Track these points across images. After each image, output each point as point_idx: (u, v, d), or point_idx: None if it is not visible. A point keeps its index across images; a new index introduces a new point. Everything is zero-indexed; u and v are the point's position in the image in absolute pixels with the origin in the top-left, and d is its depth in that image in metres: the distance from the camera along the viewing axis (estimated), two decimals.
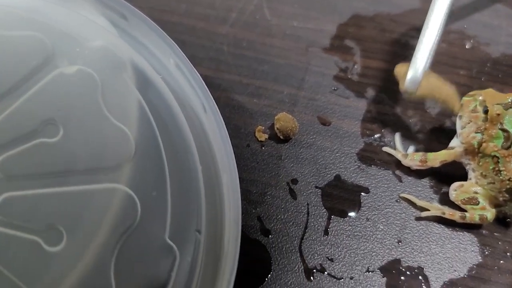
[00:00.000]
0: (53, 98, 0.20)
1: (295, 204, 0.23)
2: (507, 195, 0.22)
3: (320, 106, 0.25)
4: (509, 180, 0.21)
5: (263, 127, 0.24)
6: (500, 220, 0.23)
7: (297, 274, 0.21)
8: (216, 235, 0.20)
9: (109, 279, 0.18)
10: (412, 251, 0.22)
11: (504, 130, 0.21)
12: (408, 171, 0.24)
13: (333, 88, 0.26)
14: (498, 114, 0.21)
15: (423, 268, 0.22)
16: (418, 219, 0.23)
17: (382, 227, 0.22)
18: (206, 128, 0.22)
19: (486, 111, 0.21)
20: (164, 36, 0.23)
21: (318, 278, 0.21)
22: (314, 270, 0.21)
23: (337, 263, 0.22)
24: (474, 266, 0.22)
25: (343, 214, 0.23)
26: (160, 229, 0.19)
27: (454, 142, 0.23)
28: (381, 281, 0.21)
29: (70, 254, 0.18)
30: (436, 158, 0.23)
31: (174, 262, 0.19)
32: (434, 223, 0.23)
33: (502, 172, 0.21)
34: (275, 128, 0.24)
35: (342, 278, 0.21)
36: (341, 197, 0.23)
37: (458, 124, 0.22)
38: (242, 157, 0.23)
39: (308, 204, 0.23)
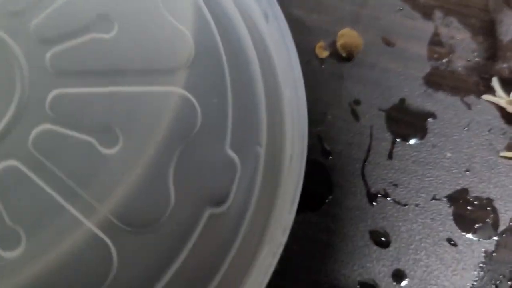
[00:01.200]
0: None
1: (357, 126, 0.21)
2: None
3: (384, 26, 0.23)
4: None
5: (324, 44, 0.22)
6: None
7: (359, 198, 0.20)
8: (277, 151, 0.19)
9: (168, 186, 0.17)
10: (481, 181, 0.21)
11: None
12: (478, 98, 0.22)
13: (398, 8, 0.24)
14: None
15: (492, 200, 0.20)
16: (488, 149, 0.21)
17: (449, 154, 0.21)
18: (267, 37, 0.20)
19: None
20: None
21: (382, 203, 0.20)
22: (378, 195, 0.20)
23: (401, 189, 0.20)
24: None
25: (408, 139, 0.21)
26: (221, 139, 0.18)
27: None
28: (447, 210, 0.20)
29: (127, 157, 0.17)
30: None
31: (235, 174, 0.18)
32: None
33: None
34: (338, 45, 0.22)
35: (407, 204, 0.20)
36: (406, 122, 0.21)
37: None
38: (303, 73, 0.22)
39: (371, 127, 0.21)
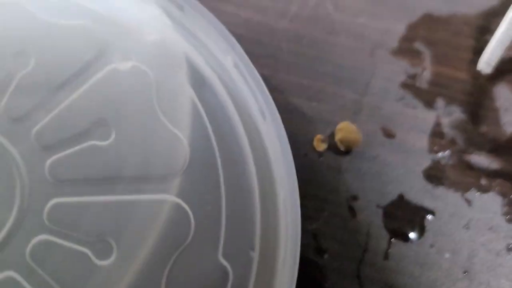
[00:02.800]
0: (106, 97, 0.19)
1: (354, 223, 0.21)
2: None
3: (384, 116, 0.23)
4: None
5: (323, 136, 0.23)
6: None
7: None
8: (270, 254, 0.19)
9: None
10: (479, 284, 0.20)
11: None
12: (480, 193, 0.22)
13: (399, 97, 0.24)
14: None
15: None
16: (489, 249, 0.21)
17: (448, 255, 0.21)
18: (265, 138, 0.20)
19: None
20: (223, 30, 0.22)
21: None
22: None
23: None
24: None
25: (406, 238, 0.21)
26: (214, 247, 0.18)
27: None
28: None
29: (120, 268, 0.17)
30: None
31: (227, 282, 0.18)
32: (505, 255, 0.21)
33: None
34: (336, 139, 0.22)
35: None
36: (404, 219, 0.21)
37: None
38: (298, 167, 0.22)
39: (368, 224, 0.21)
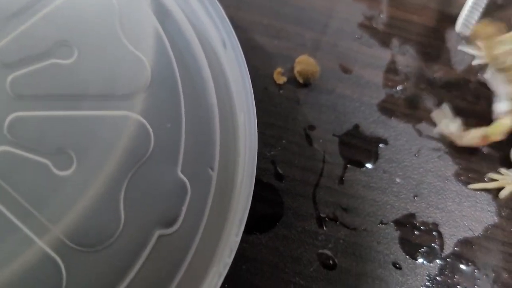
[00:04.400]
0: (69, 20, 0.19)
1: (310, 151, 0.22)
2: None
3: (342, 53, 0.24)
4: None
5: (282, 70, 0.23)
6: None
7: (309, 221, 0.21)
8: (229, 174, 0.20)
9: (119, 209, 0.17)
10: (428, 206, 0.21)
11: None
12: (429, 125, 0.23)
13: (356, 36, 0.25)
14: None
15: (437, 225, 0.21)
16: (436, 175, 0.22)
17: (398, 180, 0.22)
18: (225, 64, 0.21)
19: None
20: None
21: (330, 226, 0.21)
22: (327, 218, 0.21)
23: (350, 213, 0.21)
24: (490, 227, 0.21)
25: (360, 165, 0.22)
26: (173, 163, 0.19)
27: (502, 106, 0.21)
28: (394, 234, 0.21)
29: (80, 180, 0.17)
30: (500, 131, 0.21)
31: (185, 197, 0.18)
32: (452, 180, 0.22)
33: None
34: (295, 71, 0.23)
35: (355, 228, 0.21)
36: (359, 147, 0.22)
37: (498, 79, 0.21)
38: (259, 99, 0.23)
39: (324, 152, 0.22)
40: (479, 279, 0.20)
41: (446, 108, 0.23)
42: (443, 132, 0.22)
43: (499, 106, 0.21)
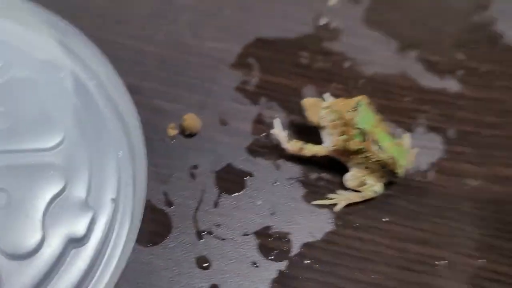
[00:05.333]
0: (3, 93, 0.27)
1: (194, 184, 0.30)
2: (382, 170, 0.29)
3: (221, 111, 0.32)
4: (376, 161, 0.28)
5: (174, 125, 0.31)
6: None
7: (191, 235, 0.28)
8: (126, 202, 0.27)
9: (40, 229, 0.24)
10: (281, 221, 0.29)
11: (358, 129, 0.28)
12: (285, 160, 0.31)
13: (233, 97, 0.33)
14: (351, 118, 0.28)
15: (288, 233, 0.29)
16: (289, 197, 0.30)
17: (260, 202, 0.29)
18: (124, 125, 0.29)
19: (341, 119, 0.29)
20: (98, 51, 0.30)
21: (206, 238, 0.28)
22: (204, 233, 0.28)
23: (222, 228, 0.28)
24: (328, 233, 0.29)
25: (231, 192, 0.30)
26: (83, 194, 0.26)
27: (326, 144, 0.30)
28: (254, 242, 0.28)
29: (12, 208, 0.25)
30: (311, 150, 0.30)
31: (93, 220, 0.26)
32: (300, 201, 0.30)
33: (369, 158, 0.29)
34: (183, 126, 0.31)
35: (225, 239, 0.28)
36: (231, 180, 0.30)
37: (325, 133, 0.30)
38: (157, 147, 0.30)
39: (204, 184, 0.30)
40: (317, 272, 0.28)
41: (277, 120, 0.31)
42: (275, 134, 0.30)
43: (325, 142, 0.30)
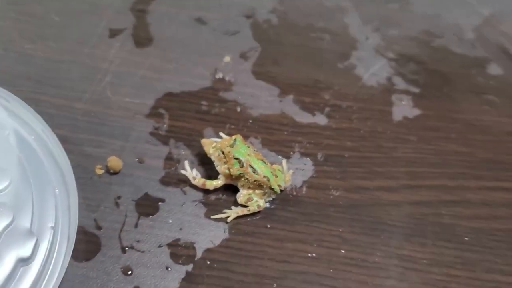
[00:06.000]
0: None
1: (118, 211, 0.38)
2: (261, 189, 0.38)
3: (139, 152, 0.41)
4: (254, 181, 0.38)
5: (101, 166, 0.40)
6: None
7: (116, 250, 0.36)
8: (63, 228, 0.35)
9: None
10: (188, 234, 0.38)
11: (236, 158, 0.38)
12: (190, 188, 0.40)
13: (148, 140, 0.42)
14: (229, 152, 0.38)
15: (193, 242, 0.37)
16: (194, 215, 0.38)
17: (170, 221, 0.38)
18: (59, 168, 0.37)
19: (223, 153, 0.38)
20: (34, 112, 0.38)
21: (129, 252, 0.36)
22: (127, 248, 0.36)
23: (141, 243, 0.37)
24: (223, 240, 0.38)
25: (148, 215, 0.38)
26: (27, 223, 0.34)
27: (219, 177, 0.39)
28: (167, 251, 0.37)
29: None
30: (211, 184, 0.39)
31: (37, 244, 0.33)
32: (203, 216, 0.39)
33: (249, 179, 0.38)
34: (108, 166, 0.39)
35: (144, 251, 0.36)
36: (148, 205, 0.39)
37: (215, 164, 0.39)
38: (87, 184, 0.38)
39: (126, 210, 0.38)
40: (216, 269, 0.36)
41: (186, 162, 0.40)
42: (184, 173, 0.39)
43: (220, 173, 0.39)
